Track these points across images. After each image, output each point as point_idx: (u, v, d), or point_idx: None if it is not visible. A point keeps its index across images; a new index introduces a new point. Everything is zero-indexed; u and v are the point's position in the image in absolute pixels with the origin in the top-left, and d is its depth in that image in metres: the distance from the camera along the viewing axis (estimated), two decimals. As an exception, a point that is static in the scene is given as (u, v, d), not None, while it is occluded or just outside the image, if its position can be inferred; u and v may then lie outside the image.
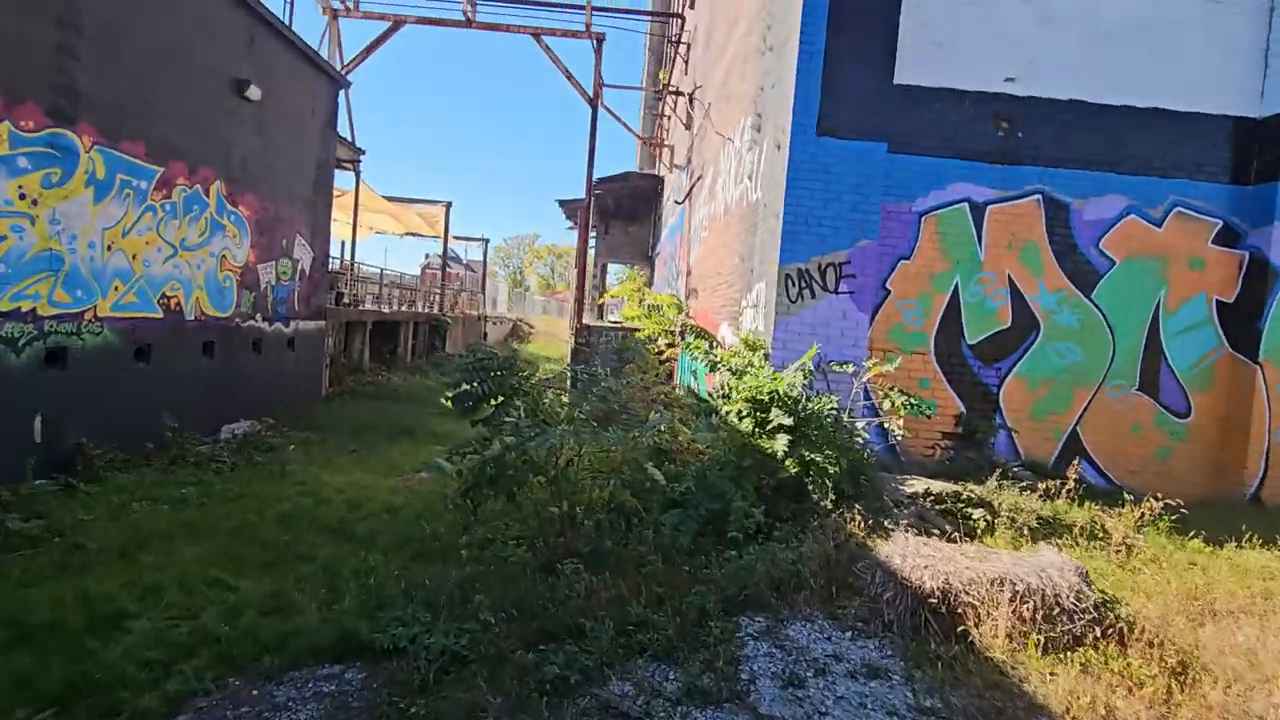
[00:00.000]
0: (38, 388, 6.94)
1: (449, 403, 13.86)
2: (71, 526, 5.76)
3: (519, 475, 4.74)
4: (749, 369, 5.39)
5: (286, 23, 11.42)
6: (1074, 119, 6.24)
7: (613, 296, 16.36)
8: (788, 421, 4.96)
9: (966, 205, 6.25)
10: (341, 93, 13.90)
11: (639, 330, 14.03)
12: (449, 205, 26.69)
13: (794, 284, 5.83)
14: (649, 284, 21.83)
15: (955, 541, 4.37)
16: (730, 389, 5.57)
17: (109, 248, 7.72)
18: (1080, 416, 6.43)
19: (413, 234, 30.63)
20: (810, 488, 5.03)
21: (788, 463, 5.01)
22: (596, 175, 16.65)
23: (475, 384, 6.94)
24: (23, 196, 6.60)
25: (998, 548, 4.41)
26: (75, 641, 3.82)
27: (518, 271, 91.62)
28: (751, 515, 4.52)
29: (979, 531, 4.79)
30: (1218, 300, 6.45)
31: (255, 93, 10.06)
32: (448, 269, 28.83)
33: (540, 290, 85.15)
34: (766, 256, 6.27)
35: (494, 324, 34.33)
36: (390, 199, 23.26)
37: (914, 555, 3.92)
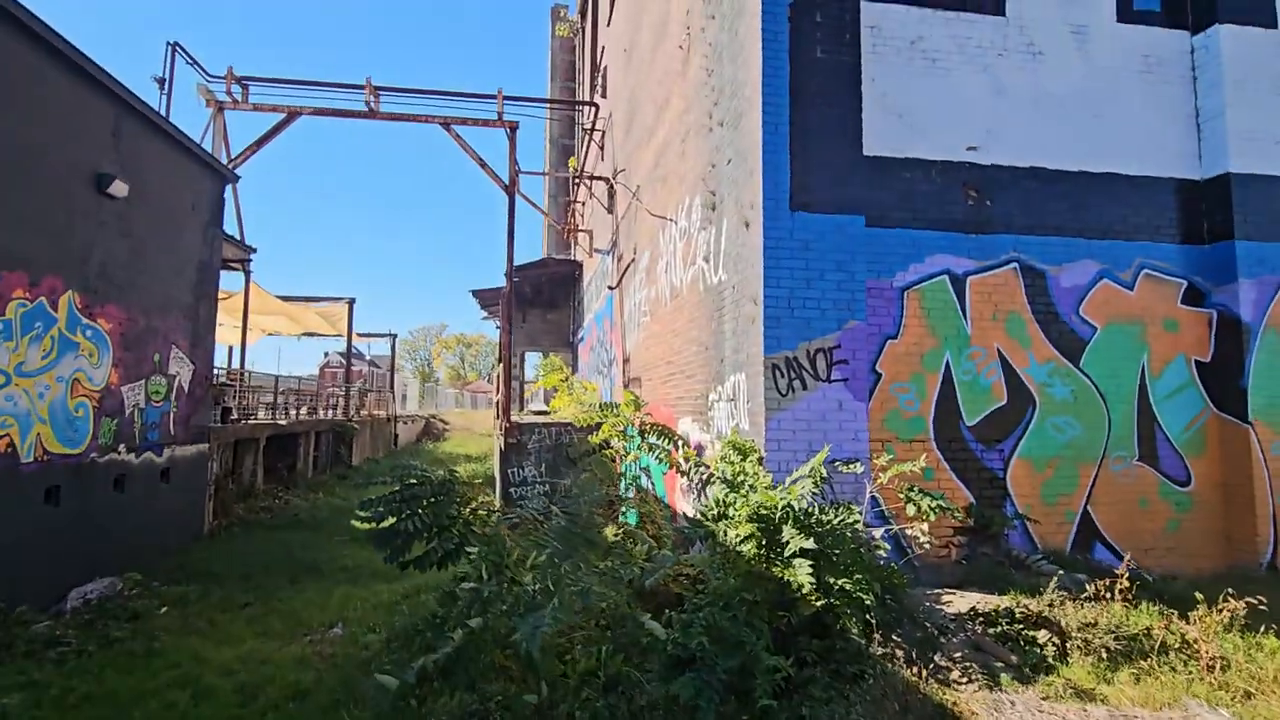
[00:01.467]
0: None
1: (361, 524, 12.05)
2: None
3: (480, 658, 3.54)
4: (742, 478, 4.52)
5: (164, 115, 10.20)
6: (1037, 186, 6.07)
7: (542, 386, 15.29)
8: (808, 544, 4.05)
9: (947, 277, 5.84)
10: (228, 188, 12.58)
11: (572, 424, 12.97)
12: (352, 302, 25.06)
13: (783, 374, 5.09)
14: (573, 371, 20.92)
15: (1059, 696, 3.53)
16: (725, 505, 4.64)
17: (-93, 382, 5.99)
18: (1088, 495, 5.94)
19: (311, 334, 28.58)
20: (838, 622, 4.10)
21: (809, 594, 4.08)
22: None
23: (404, 519, 5.67)
24: None
25: (1119, 702, 3.58)
26: None
27: (425, 363, 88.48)
28: (779, 669, 3.52)
29: (1049, 660, 4.00)
30: (1196, 360, 6.28)
31: (121, 189, 8.67)
32: (351, 367, 26.79)
33: (450, 381, 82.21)
34: (743, 345, 5.54)
35: (405, 423, 32.03)
36: (286, 299, 21.47)
37: (1020, 721, 3.03)
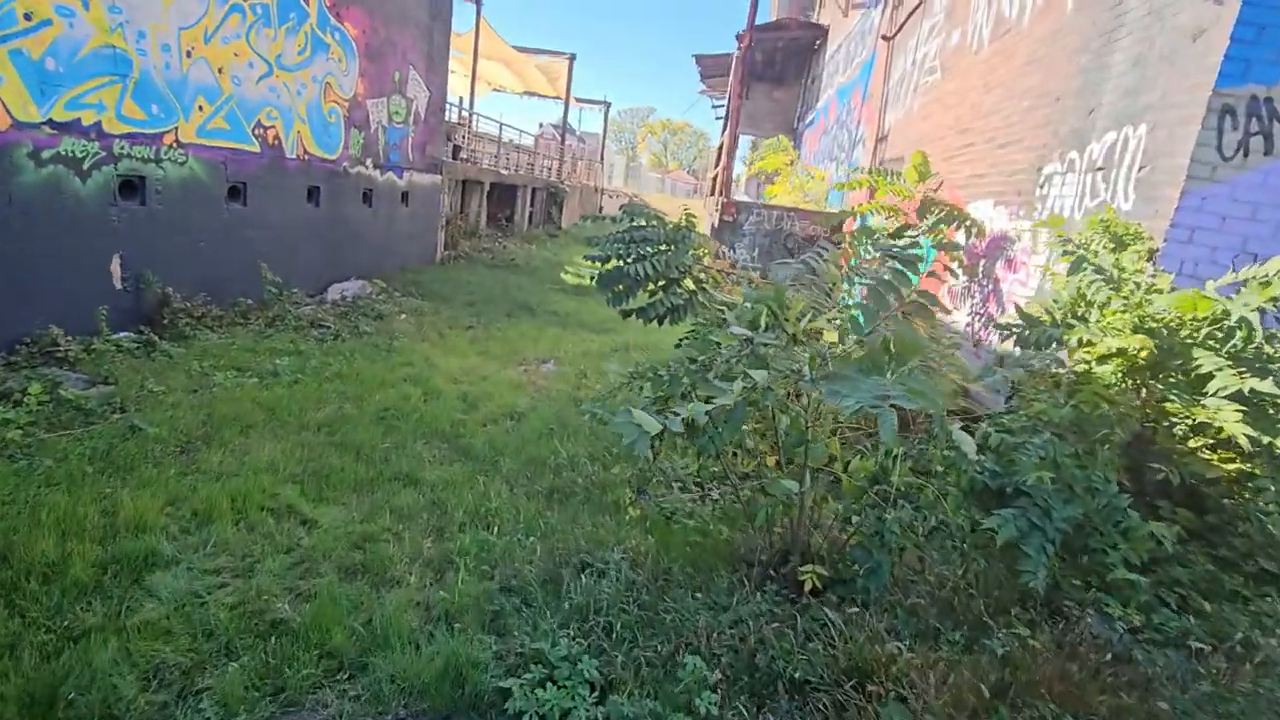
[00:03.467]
0: (113, 223, 5.76)
1: (572, 276, 12.21)
2: (138, 399, 4.63)
3: (732, 424, 2.88)
4: (1120, 276, 3.16)
5: None
6: None
7: (759, 170, 13.74)
8: (1257, 383, 2.67)
9: None
10: (465, -109, 11.47)
11: (796, 209, 11.58)
12: (572, 57, 24.00)
13: (1236, 123, 3.28)
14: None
15: None
16: (1086, 304, 3.31)
17: (188, 54, 6.20)
18: None
19: (531, 93, 28.39)
20: (1244, 499, 2.87)
21: (1220, 456, 2.83)
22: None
23: (632, 262, 5.12)
24: (70, -33, 5.06)
25: None
26: (65, 608, 2.53)
27: (630, 147, 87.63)
28: (1159, 539, 2.52)
29: None
30: None
31: None
32: (566, 132, 26.56)
33: (652, 167, 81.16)
34: (1156, 79, 3.70)
35: (610, 197, 32.18)
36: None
37: None
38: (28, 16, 4.78)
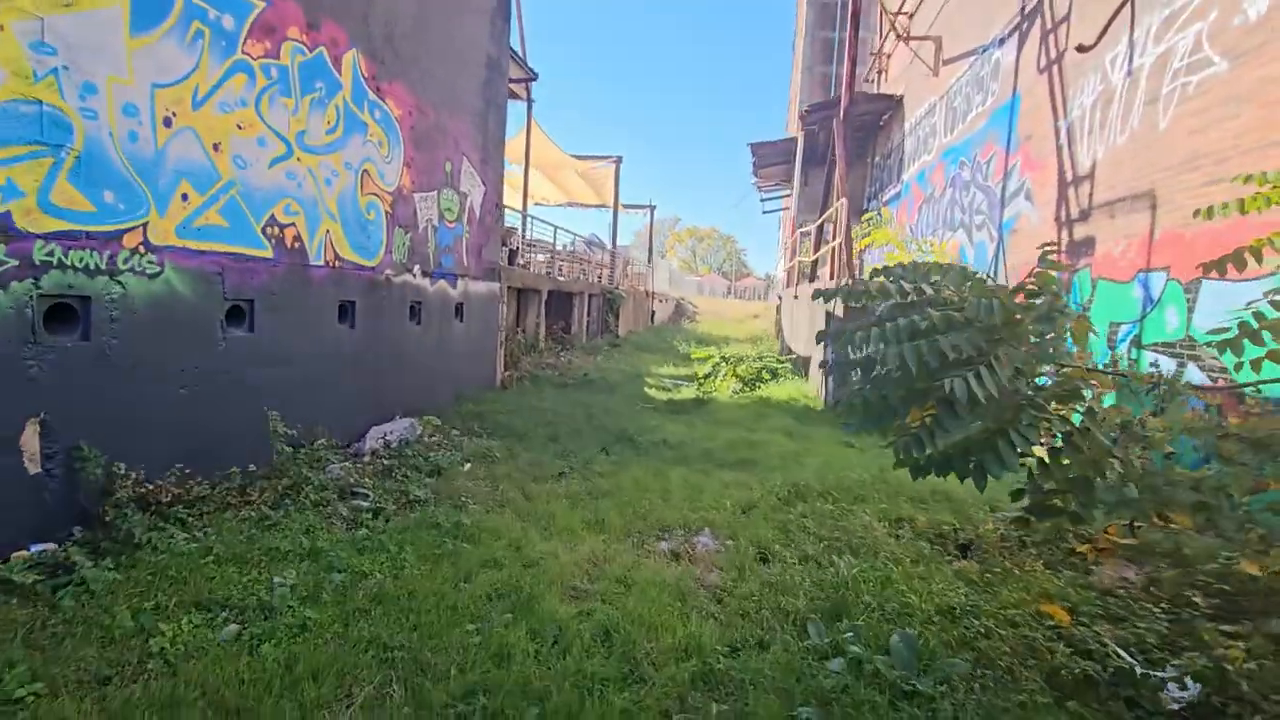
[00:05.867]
0: (29, 372, 3.62)
1: (658, 390, 9.75)
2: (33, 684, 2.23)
3: None
4: None
5: None
6: None
7: (871, 245, 11.70)
8: None
9: None
10: (516, -26, 10.31)
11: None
12: (619, 161, 23.08)
13: None
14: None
15: None
16: None
17: (167, 122, 4.31)
18: None
19: (574, 203, 27.56)
20: None
21: None
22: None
23: (941, 369, 2.66)
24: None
25: None
26: None
27: (660, 255, 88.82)
28: None
29: None
30: None
31: (406, -84, 6.49)
32: (592, 249, 25.09)
33: (684, 272, 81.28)
34: None
35: (660, 301, 30.59)
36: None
37: None
38: None
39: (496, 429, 7.35)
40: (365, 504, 4.74)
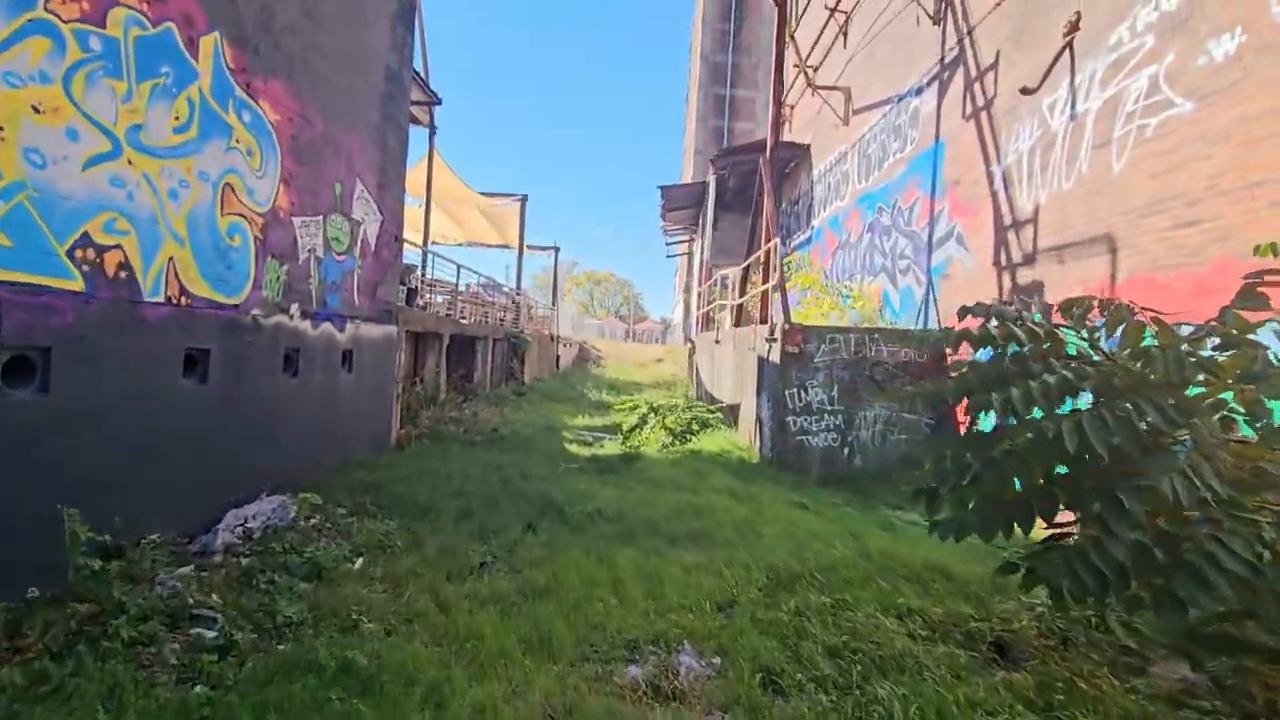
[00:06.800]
0: None
1: (580, 448, 8.75)
2: None
3: None
4: None
5: None
6: None
7: (797, 285, 11.38)
8: None
9: None
10: (420, -14, 9.31)
11: (878, 330, 8.87)
12: (524, 200, 22.14)
13: None
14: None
15: None
16: None
17: (-95, 88, 2.93)
18: None
19: (474, 243, 26.21)
20: None
21: None
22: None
23: (1173, 476, 1.77)
24: None
25: None
26: None
27: (559, 297, 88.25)
28: None
29: None
30: None
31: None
32: (493, 291, 23.87)
33: (583, 315, 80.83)
34: None
35: (564, 346, 29.51)
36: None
37: None
38: None
39: (395, 504, 5.99)
40: (209, 634, 3.36)
